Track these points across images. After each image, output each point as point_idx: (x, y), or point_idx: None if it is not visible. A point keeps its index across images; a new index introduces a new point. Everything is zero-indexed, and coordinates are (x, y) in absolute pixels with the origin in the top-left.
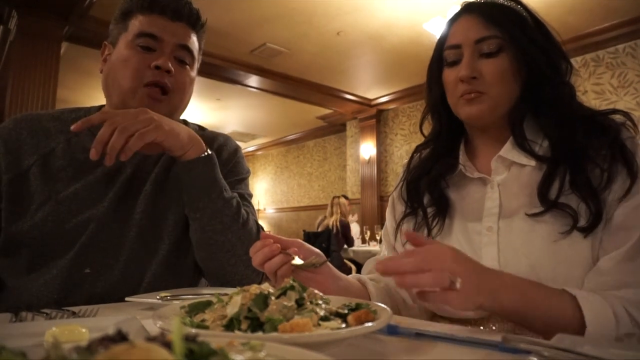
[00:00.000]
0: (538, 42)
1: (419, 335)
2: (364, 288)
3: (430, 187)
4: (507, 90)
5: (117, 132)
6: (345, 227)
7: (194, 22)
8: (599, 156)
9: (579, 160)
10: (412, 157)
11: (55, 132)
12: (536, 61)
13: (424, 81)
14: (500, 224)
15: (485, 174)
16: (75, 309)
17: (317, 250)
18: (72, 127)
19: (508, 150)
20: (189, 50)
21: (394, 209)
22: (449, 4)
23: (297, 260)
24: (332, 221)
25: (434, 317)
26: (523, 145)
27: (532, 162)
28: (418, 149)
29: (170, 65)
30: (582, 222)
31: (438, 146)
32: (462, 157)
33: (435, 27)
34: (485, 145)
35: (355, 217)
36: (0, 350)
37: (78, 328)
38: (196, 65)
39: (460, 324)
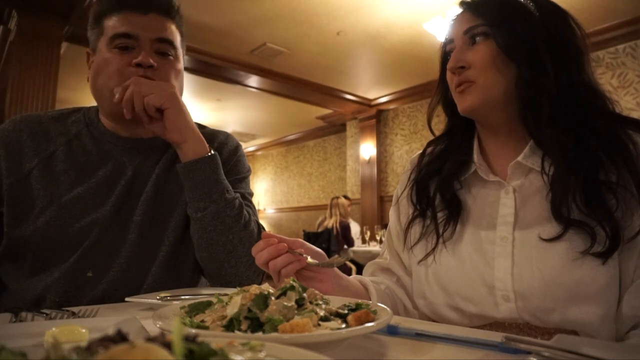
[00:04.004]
0: (534, 29)
1: (419, 335)
2: (364, 289)
3: (442, 188)
4: (497, 78)
5: (136, 93)
6: (345, 229)
7: (167, 9)
8: (612, 175)
9: (593, 176)
10: (423, 153)
11: (55, 134)
12: (528, 48)
13: (424, 81)
14: (516, 234)
15: (499, 177)
16: (75, 309)
17: (319, 249)
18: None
19: (527, 156)
20: (168, 42)
21: (399, 210)
22: (449, 4)
23: (311, 260)
24: (331, 222)
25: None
26: (543, 149)
27: (552, 171)
28: (430, 144)
29: (151, 60)
30: (600, 246)
31: (450, 144)
32: (477, 157)
33: (435, 27)
34: (497, 146)
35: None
36: (0, 350)
37: (78, 328)
38: (181, 54)
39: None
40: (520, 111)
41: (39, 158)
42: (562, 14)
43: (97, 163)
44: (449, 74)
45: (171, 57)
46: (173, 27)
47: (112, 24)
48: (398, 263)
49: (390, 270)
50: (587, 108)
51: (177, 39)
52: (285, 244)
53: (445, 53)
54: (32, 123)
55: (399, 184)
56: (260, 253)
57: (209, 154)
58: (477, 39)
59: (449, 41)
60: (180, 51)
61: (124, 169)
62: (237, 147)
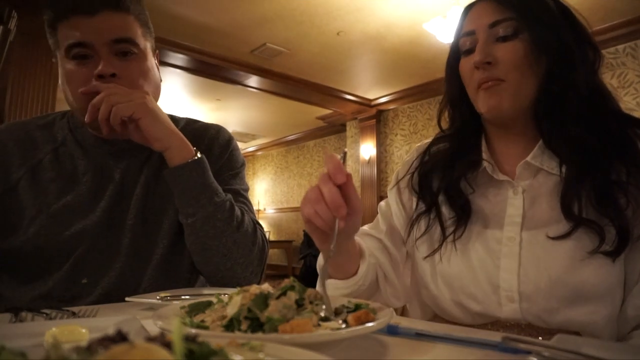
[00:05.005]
0: (559, 26)
1: (419, 335)
2: (359, 253)
3: (450, 190)
4: (527, 79)
5: (105, 100)
6: None
7: (116, 2)
8: (622, 174)
9: (605, 175)
10: (428, 149)
11: (42, 142)
12: (557, 46)
13: (424, 81)
14: (523, 235)
15: (507, 177)
16: (75, 309)
17: (357, 240)
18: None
19: (536, 156)
20: (126, 41)
21: (400, 193)
22: (449, 4)
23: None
24: None
25: (435, 317)
26: (553, 149)
27: (566, 171)
28: (436, 141)
29: (111, 68)
30: (609, 245)
31: (456, 143)
32: (486, 155)
33: (435, 27)
34: (506, 144)
35: None
36: (0, 350)
37: (78, 328)
38: (148, 46)
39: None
40: (542, 110)
41: (26, 167)
42: (569, 8)
43: (84, 169)
44: (468, 69)
45: (135, 55)
46: (130, 20)
47: (64, 32)
48: (390, 236)
49: (381, 240)
50: (601, 107)
51: (137, 32)
52: (345, 208)
53: (457, 47)
54: (17, 131)
55: (401, 167)
56: (318, 203)
57: (195, 157)
58: (506, 33)
59: (467, 33)
60: (145, 44)
61: (112, 173)
62: (230, 141)
